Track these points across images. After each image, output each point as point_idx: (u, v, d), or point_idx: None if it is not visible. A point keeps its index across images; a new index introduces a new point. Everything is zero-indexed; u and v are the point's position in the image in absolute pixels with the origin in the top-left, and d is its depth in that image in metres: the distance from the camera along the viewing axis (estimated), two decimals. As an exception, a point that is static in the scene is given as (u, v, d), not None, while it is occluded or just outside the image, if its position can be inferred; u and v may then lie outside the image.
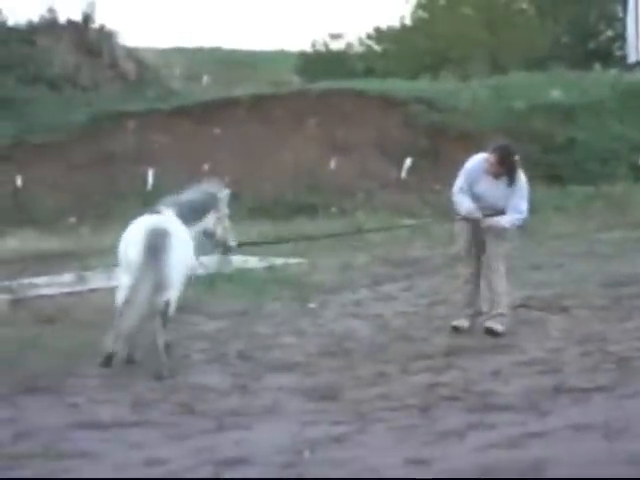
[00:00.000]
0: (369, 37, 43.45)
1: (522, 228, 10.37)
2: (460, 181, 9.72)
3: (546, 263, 13.87)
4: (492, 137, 14.80)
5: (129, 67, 29.65)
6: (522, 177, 9.62)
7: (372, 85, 27.53)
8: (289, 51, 47.32)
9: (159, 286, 8.43)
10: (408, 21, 42.07)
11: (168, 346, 8.98)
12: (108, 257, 11.52)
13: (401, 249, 15.67)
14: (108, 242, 12.16)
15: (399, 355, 8.89)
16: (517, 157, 9.55)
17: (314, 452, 6.10)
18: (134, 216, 8.97)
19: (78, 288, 12.53)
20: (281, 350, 9.36)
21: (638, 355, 8.38)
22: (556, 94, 25.90)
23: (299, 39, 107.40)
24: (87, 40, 29.57)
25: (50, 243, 17.52)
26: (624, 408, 6.75)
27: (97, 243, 16.18)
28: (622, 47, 38.35)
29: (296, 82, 36.59)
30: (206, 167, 22.19)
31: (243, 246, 10.22)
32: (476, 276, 9.83)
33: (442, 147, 23.42)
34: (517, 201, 9.54)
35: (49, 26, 29.60)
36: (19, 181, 22.85)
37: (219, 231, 9.45)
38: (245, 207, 18.95)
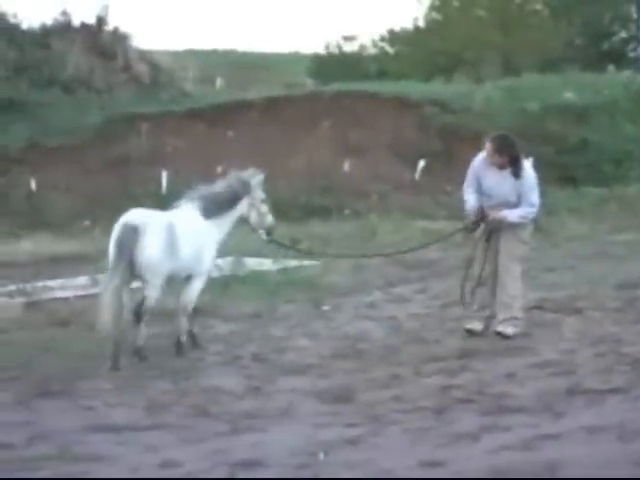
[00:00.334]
0: (382, 39, 43.52)
1: (536, 225, 10.26)
2: (467, 179, 9.75)
3: (560, 265, 13.83)
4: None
5: (143, 70, 29.64)
6: (528, 168, 9.61)
7: (385, 87, 27.56)
8: (302, 53, 47.50)
9: (124, 282, 8.69)
10: (421, 23, 42.19)
11: (183, 344, 9.11)
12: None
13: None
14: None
15: (413, 357, 8.89)
16: (517, 145, 9.49)
17: (328, 454, 6.11)
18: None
19: (92, 291, 12.51)
20: (295, 352, 9.38)
21: (652, 357, 8.36)
22: (569, 95, 25.86)
23: (313, 41, 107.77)
24: (101, 43, 29.59)
25: (64, 246, 17.55)
26: (638, 410, 6.75)
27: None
28: (636, 48, 38.37)
29: (309, 84, 36.61)
30: (220, 169, 22.17)
31: (272, 243, 10.34)
32: (492, 278, 9.69)
33: (455, 149, 23.31)
34: (527, 194, 9.49)
35: (63, 29, 29.64)
36: (33, 184, 22.88)
37: (253, 216, 9.70)
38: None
